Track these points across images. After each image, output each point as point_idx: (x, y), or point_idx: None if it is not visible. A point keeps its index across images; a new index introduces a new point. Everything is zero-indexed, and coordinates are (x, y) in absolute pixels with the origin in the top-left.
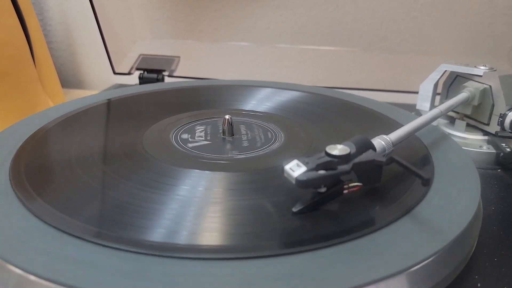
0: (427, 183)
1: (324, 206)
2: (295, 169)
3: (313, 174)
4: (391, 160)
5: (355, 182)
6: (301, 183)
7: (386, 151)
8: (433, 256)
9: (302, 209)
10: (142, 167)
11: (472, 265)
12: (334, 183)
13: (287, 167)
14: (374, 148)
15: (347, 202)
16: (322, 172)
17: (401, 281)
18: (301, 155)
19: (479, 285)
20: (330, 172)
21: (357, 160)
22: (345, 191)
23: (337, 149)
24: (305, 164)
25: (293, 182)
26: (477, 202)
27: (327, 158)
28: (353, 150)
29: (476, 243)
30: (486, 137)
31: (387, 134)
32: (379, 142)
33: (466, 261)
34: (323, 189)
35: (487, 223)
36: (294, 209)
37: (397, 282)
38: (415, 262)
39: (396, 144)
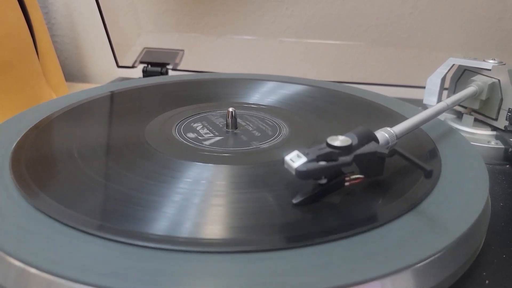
0: (430, 175)
1: (326, 198)
2: (295, 160)
3: (314, 165)
4: (393, 152)
5: (357, 174)
6: (301, 174)
7: (390, 144)
8: (439, 252)
9: (303, 200)
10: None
11: (480, 261)
12: (335, 175)
13: (288, 158)
14: (377, 140)
15: (353, 196)
16: (322, 163)
17: (407, 277)
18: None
19: (487, 282)
20: (331, 163)
21: (358, 151)
22: (347, 183)
23: (339, 140)
24: (306, 155)
25: (293, 173)
26: (485, 198)
27: (328, 149)
28: (355, 142)
29: (484, 239)
30: (494, 132)
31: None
32: (382, 134)
33: (474, 257)
34: (323, 181)
35: (495, 220)
36: (294, 201)
37: (403, 278)
38: (421, 258)
39: (400, 137)
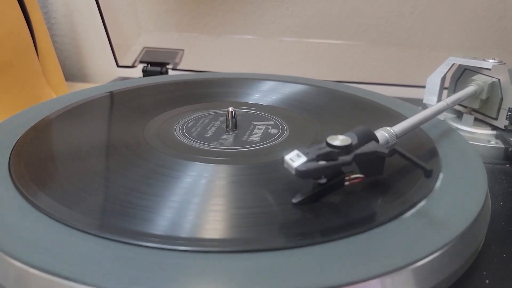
0: (429, 174)
1: (326, 197)
2: (295, 159)
3: (313, 164)
4: (393, 151)
5: (357, 173)
6: (301, 174)
7: (390, 143)
8: (438, 251)
9: (302, 200)
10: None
11: (480, 261)
12: (335, 174)
13: (287, 157)
14: (376, 140)
15: (353, 195)
16: (322, 162)
17: (407, 276)
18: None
19: (487, 281)
20: (331, 162)
21: (358, 151)
22: (347, 183)
23: (338, 140)
24: (305, 154)
25: (293, 172)
26: (484, 196)
27: (328, 149)
28: (355, 141)
29: (484, 238)
30: (494, 132)
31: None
32: (382, 134)
33: (474, 257)
34: (323, 180)
35: (495, 219)
36: (294, 200)
37: (403, 277)
38: (420, 257)
39: (400, 136)
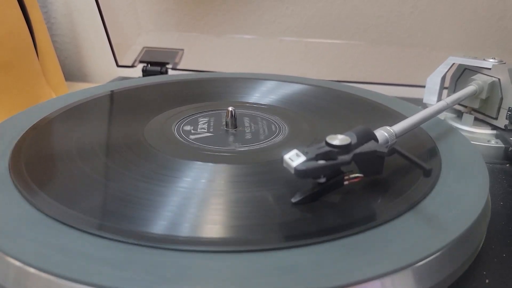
0: (429, 174)
1: (325, 197)
2: (294, 158)
3: (312, 164)
4: (393, 151)
5: (356, 173)
6: (300, 173)
7: (389, 143)
8: (439, 251)
9: (302, 199)
10: (144, 159)
11: (480, 261)
12: (334, 174)
13: (286, 156)
14: (376, 139)
15: (352, 195)
16: (321, 162)
17: (407, 276)
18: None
19: (487, 281)
20: (330, 162)
21: (358, 150)
22: (346, 182)
23: (338, 139)
24: (305, 154)
25: (292, 172)
26: (486, 197)
27: (327, 148)
28: (354, 141)
29: (484, 238)
30: (494, 131)
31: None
32: (382, 133)
33: (474, 256)
34: (322, 180)
35: (495, 219)
36: (293, 200)
37: (403, 277)
38: (421, 257)
39: (399, 136)
